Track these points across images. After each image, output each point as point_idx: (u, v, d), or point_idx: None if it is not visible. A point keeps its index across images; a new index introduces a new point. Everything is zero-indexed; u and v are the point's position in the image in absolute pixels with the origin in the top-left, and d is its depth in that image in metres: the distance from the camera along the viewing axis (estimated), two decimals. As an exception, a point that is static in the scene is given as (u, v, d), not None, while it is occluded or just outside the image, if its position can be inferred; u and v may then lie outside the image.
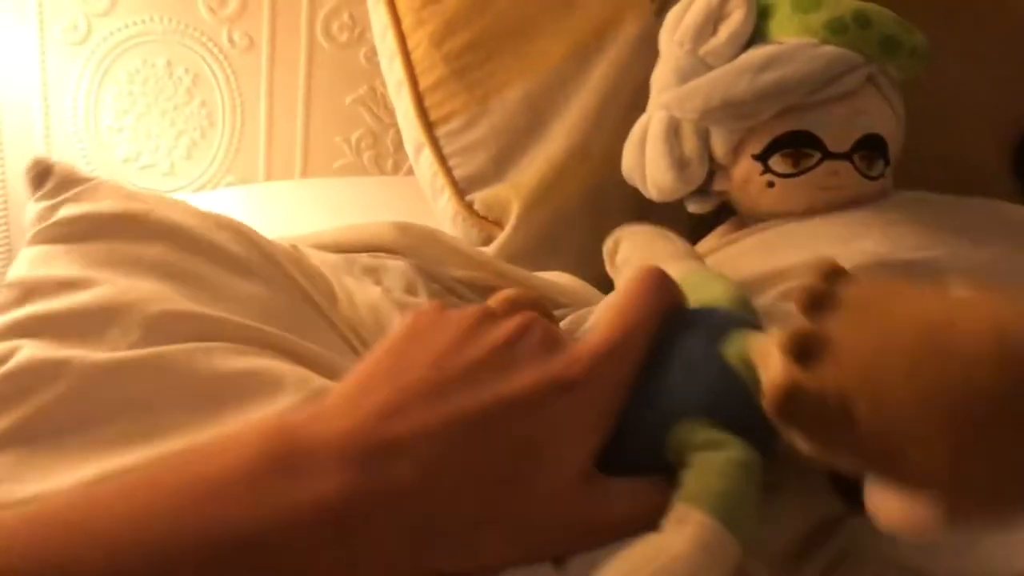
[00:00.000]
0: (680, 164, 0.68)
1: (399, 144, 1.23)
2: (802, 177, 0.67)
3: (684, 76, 0.69)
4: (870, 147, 0.67)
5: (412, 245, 0.60)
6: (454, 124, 0.83)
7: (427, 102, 0.84)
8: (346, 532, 0.28)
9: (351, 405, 0.32)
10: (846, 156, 0.67)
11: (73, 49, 1.12)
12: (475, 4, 0.81)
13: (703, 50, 0.69)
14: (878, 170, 0.68)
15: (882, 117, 0.68)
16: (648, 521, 0.30)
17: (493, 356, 0.33)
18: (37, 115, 1.13)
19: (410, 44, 0.84)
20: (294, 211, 1.07)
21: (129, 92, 1.15)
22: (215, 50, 1.16)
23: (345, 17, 1.18)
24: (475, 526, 0.30)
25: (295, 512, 0.28)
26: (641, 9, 0.79)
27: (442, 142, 0.84)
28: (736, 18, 0.68)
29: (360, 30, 1.18)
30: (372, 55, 1.18)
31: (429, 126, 0.84)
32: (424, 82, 0.84)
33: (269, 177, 1.23)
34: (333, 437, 0.30)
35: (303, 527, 0.28)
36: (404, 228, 0.62)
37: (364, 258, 0.61)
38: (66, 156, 1.15)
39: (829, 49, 0.66)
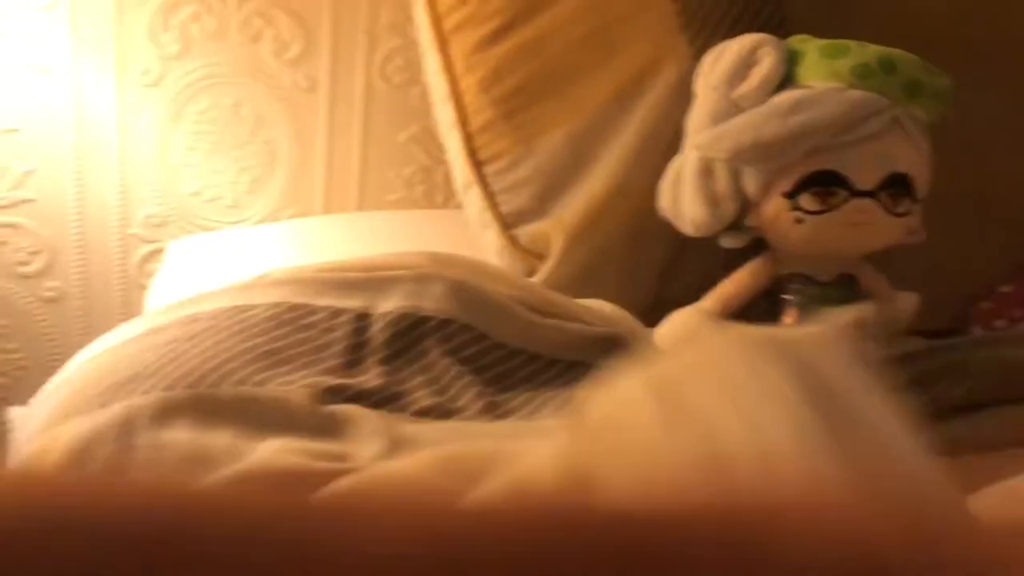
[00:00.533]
0: (713, 202, 0.72)
1: (449, 179, 1.29)
2: (830, 214, 0.70)
3: (717, 118, 0.73)
4: (896, 185, 0.70)
5: (445, 269, 0.65)
6: (501, 163, 0.88)
7: (476, 143, 0.89)
8: None
9: None
10: (872, 194, 0.70)
11: (147, 91, 1.19)
12: (521, 52, 0.86)
13: (735, 94, 0.73)
14: (904, 207, 0.71)
15: (907, 156, 0.71)
16: None
17: None
18: (113, 152, 1.21)
19: (460, 88, 0.89)
20: (350, 242, 1.13)
21: (198, 131, 1.22)
22: (279, 91, 1.23)
23: (400, 60, 1.24)
24: None
25: None
26: (679, 55, 0.83)
27: (489, 180, 0.89)
28: (767, 64, 0.72)
29: (414, 72, 1.24)
30: (425, 95, 1.23)
31: (477, 165, 0.89)
32: (473, 124, 0.89)
33: (327, 210, 1.29)
34: None
35: None
36: (437, 256, 0.67)
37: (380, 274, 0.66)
38: (139, 190, 1.23)
39: (855, 93, 0.69)
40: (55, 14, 1.14)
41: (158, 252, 1.25)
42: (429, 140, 1.28)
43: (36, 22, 1.13)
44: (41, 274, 1.24)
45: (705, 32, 0.84)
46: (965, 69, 0.78)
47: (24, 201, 1.20)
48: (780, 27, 0.85)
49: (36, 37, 1.14)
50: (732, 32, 0.84)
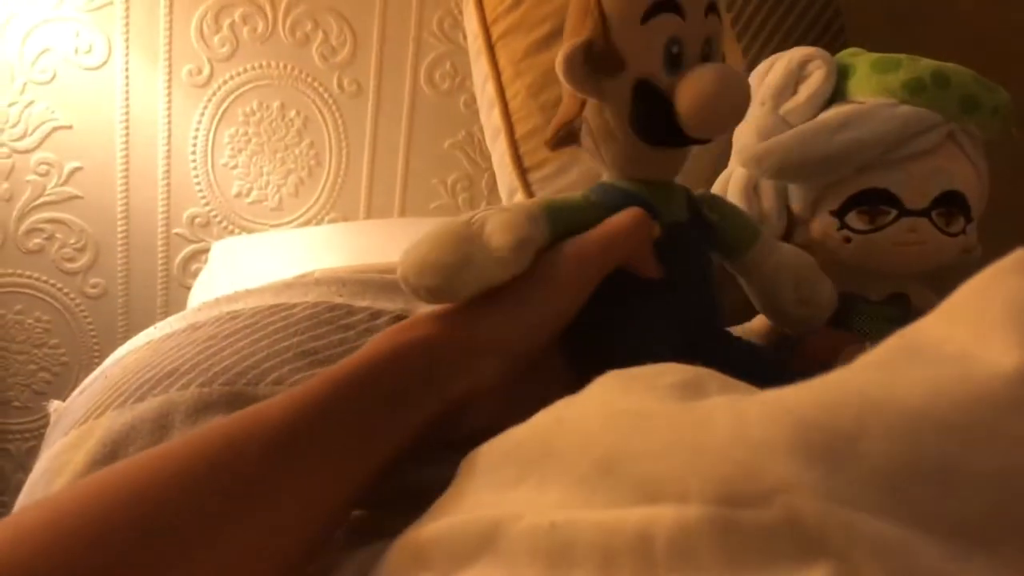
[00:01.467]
0: (759, 219, 0.70)
1: (492, 187, 1.28)
2: (879, 233, 0.68)
3: (765, 134, 0.71)
4: (949, 204, 0.67)
5: None
6: (547, 170, 0.86)
7: (522, 149, 0.88)
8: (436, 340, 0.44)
9: None
10: (924, 213, 0.67)
11: (196, 91, 1.20)
12: (572, 57, 0.85)
13: (783, 109, 0.71)
14: (958, 227, 0.68)
15: (962, 174, 0.68)
16: None
17: None
18: (160, 151, 1.22)
19: (508, 94, 0.88)
20: (391, 247, 1.12)
21: (244, 132, 1.23)
22: (325, 95, 1.23)
23: (447, 66, 1.24)
24: None
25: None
26: (734, 63, 0.81)
27: (534, 187, 0.88)
28: (816, 79, 0.70)
29: (460, 79, 1.24)
30: (471, 102, 1.23)
31: (523, 171, 0.87)
32: (520, 130, 0.88)
33: (369, 215, 1.29)
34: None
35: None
36: None
37: None
38: (182, 190, 1.24)
39: (906, 109, 0.66)
40: (108, 13, 1.15)
41: (201, 252, 1.26)
42: (473, 147, 1.28)
43: (89, 21, 1.15)
44: (86, 271, 1.25)
45: (759, 41, 0.82)
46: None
47: (72, 197, 1.21)
48: (838, 37, 0.83)
49: (89, 36, 1.15)
50: (788, 41, 0.82)
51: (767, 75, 0.72)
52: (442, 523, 0.33)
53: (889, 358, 0.30)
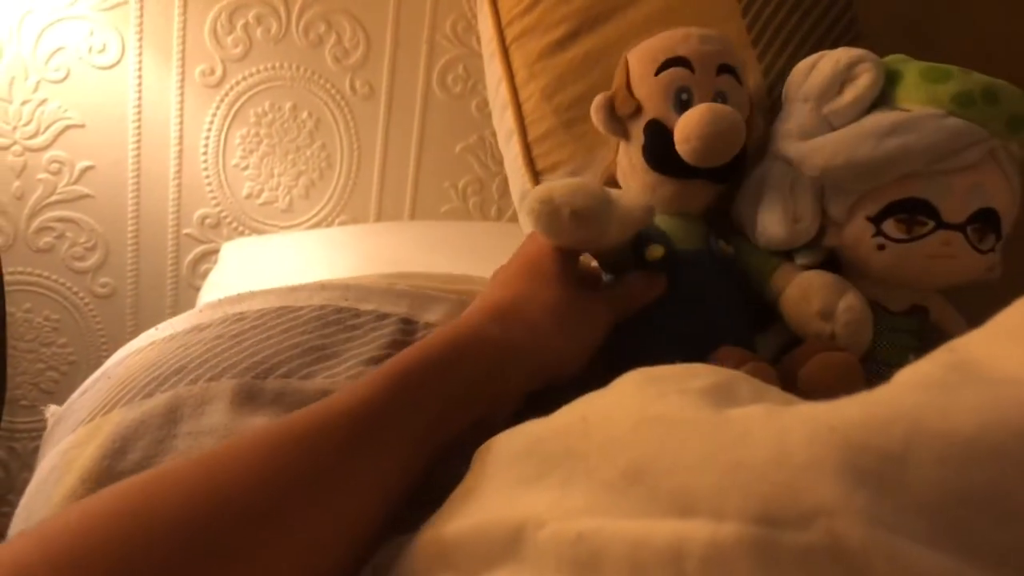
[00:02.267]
0: (793, 219, 0.69)
1: (504, 191, 1.27)
2: (914, 244, 0.66)
3: (805, 132, 0.70)
4: (984, 220, 0.66)
5: None
6: (560, 173, 0.86)
7: (535, 151, 0.87)
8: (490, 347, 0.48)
9: None
10: (960, 227, 0.66)
11: (209, 91, 1.20)
12: (586, 61, 0.84)
13: (827, 108, 0.70)
14: (989, 244, 0.67)
15: (999, 192, 0.67)
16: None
17: None
18: (172, 151, 1.21)
19: (522, 96, 0.88)
20: (401, 250, 1.12)
21: (256, 133, 1.23)
22: (338, 96, 1.23)
23: (460, 69, 1.24)
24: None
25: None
26: (749, 70, 0.81)
27: (547, 191, 0.87)
28: (864, 81, 0.69)
29: (473, 82, 1.24)
30: (483, 106, 1.23)
31: (536, 175, 0.87)
32: (533, 132, 0.87)
33: (379, 218, 1.29)
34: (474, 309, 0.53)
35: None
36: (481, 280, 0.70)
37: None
38: (193, 190, 1.23)
39: (955, 122, 0.65)
40: (123, 12, 1.15)
41: (211, 253, 1.25)
42: (485, 151, 1.28)
43: (103, 20, 1.15)
44: (96, 270, 1.25)
45: (775, 46, 0.82)
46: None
47: (83, 196, 1.21)
48: (854, 43, 0.82)
49: (103, 35, 1.15)
50: (804, 47, 0.81)
51: (810, 73, 0.71)
52: (465, 523, 0.33)
53: (940, 377, 0.29)
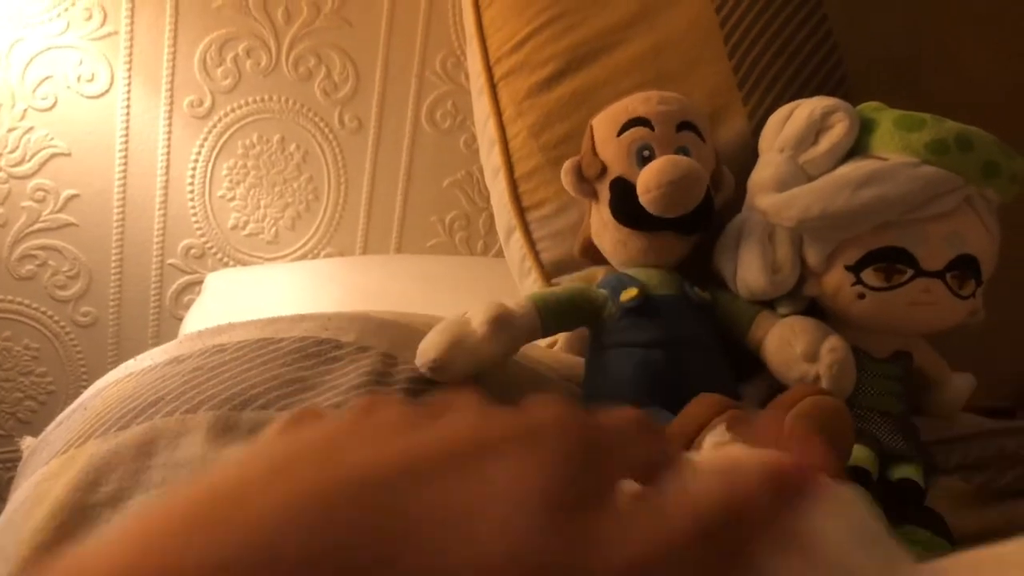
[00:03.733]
0: (772, 269, 0.69)
1: (490, 227, 1.28)
2: (894, 292, 0.67)
3: (782, 181, 0.70)
4: (963, 267, 0.67)
5: None
6: (545, 210, 0.86)
7: (521, 188, 0.87)
8: None
9: None
10: (939, 274, 0.66)
11: (197, 122, 1.20)
12: (573, 99, 0.85)
13: (803, 158, 0.70)
14: (969, 290, 0.67)
15: (977, 238, 0.67)
16: None
17: None
18: (158, 181, 1.21)
19: (509, 133, 0.88)
20: (387, 283, 1.12)
21: (243, 164, 1.23)
22: (326, 130, 1.23)
23: (449, 105, 1.24)
24: None
25: None
26: (735, 113, 0.81)
27: (532, 227, 0.87)
28: (839, 131, 0.69)
29: (461, 118, 1.24)
30: (471, 142, 1.23)
31: (521, 211, 0.87)
32: (520, 169, 0.87)
33: (365, 251, 1.29)
34: None
35: None
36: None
37: None
38: (178, 221, 1.23)
39: (929, 170, 0.66)
40: (112, 42, 1.15)
41: (195, 284, 1.25)
42: (472, 187, 1.28)
43: (93, 50, 1.15)
44: (77, 299, 1.24)
45: (760, 89, 0.82)
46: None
47: (67, 225, 1.21)
48: (839, 87, 0.83)
49: (92, 64, 1.15)
50: (789, 90, 0.82)
51: (786, 122, 0.72)
52: None
53: None
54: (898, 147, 0.68)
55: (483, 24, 0.93)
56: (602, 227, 0.74)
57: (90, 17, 1.13)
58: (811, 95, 0.82)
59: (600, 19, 0.87)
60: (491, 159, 0.91)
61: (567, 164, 0.75)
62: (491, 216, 0.96)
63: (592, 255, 0.77)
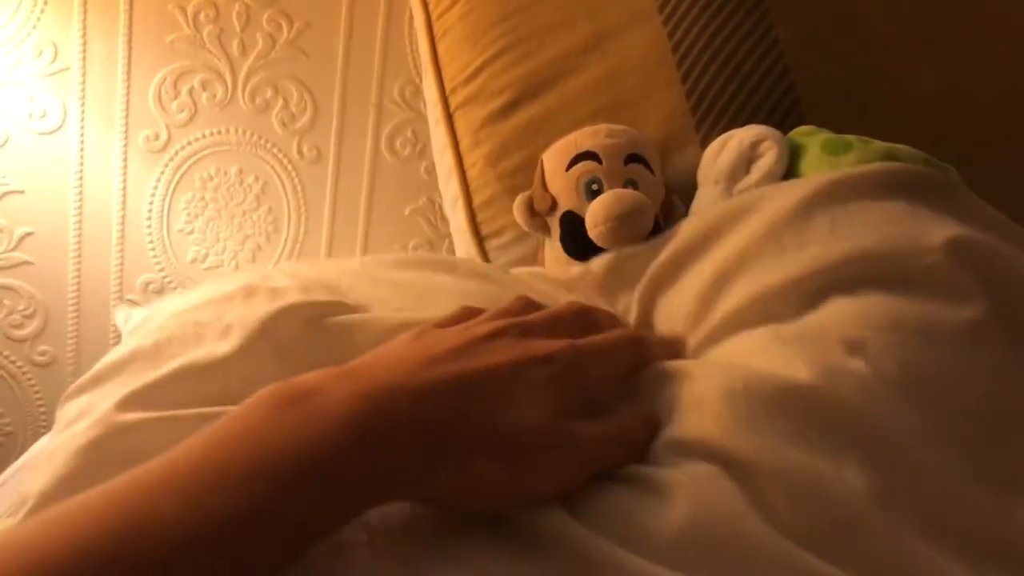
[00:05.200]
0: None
1: (453, 252, 1.27)
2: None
3: None
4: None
5: None
6: (505, 238, 0.86)
7: (479, 217, 0.87)
8: (363, 449, 0.34)
9: (357, 370, 0.39)
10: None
11: (153, 156, 1.19)
12: (529, 127, 0.85)
13: (736, 189, 0.72)
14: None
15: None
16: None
17: (470, 344, 0.41)
18: (115, 216, 1.20)
19: (466, 163, 0.88)
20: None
21: (201, 197, 1.22)
22: (284, 160, 1.22)
23: (408, 133, 1.24)
24: (468, 454, 0.36)
25: (309, 432, 0.33)
26: (689, 139, 0.82)
27: (492, 255, 0.87)
28: (768, 160, 0.71)
29: (421, 146, 1.24)
30: (432, 169, 1.23)
31: (481, 240, 0.87)
32: (478, 199, 0.87)
33: (327, 281, 1.27)
34: (345, 384, 0.36)
35: (320, 445, 0.33)
36: None
37: None
38: (137, 256, 1.21)
39: None
40: (64, 78, 1.14)
41: (154, 319, 1.23)
42: (434, 213, 1.28)
43: (45, 86, 1.13)
44: (34, 338, 1.22)
45: (714, 113, 0.83)
46: (979, 161, 0.76)
47: (22, 263, 1.19)
48: (792, 110, 0.84)
49: (44, 100, 1.14)
50: (741, 115, 0.83)
51: (720, 154, 0.73)
52: None
53: None
54: (826, 171, 0.69)
55: (438, 54, 0.93)
56: (555, 262, 0.75)
57: (41, 53, 1.12)
58: (763, 120, 0.83)
59: (554, 47, 0.87)
60: (449, 188, 0.91)
61: (518, 200, 0.76)
62: (454, 243, 0.96)
63: None
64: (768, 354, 0.48)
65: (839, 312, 0.50)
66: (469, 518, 0.38)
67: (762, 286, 0.53)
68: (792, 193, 0.60)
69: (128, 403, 0.52)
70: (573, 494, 0.39)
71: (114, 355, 0.60)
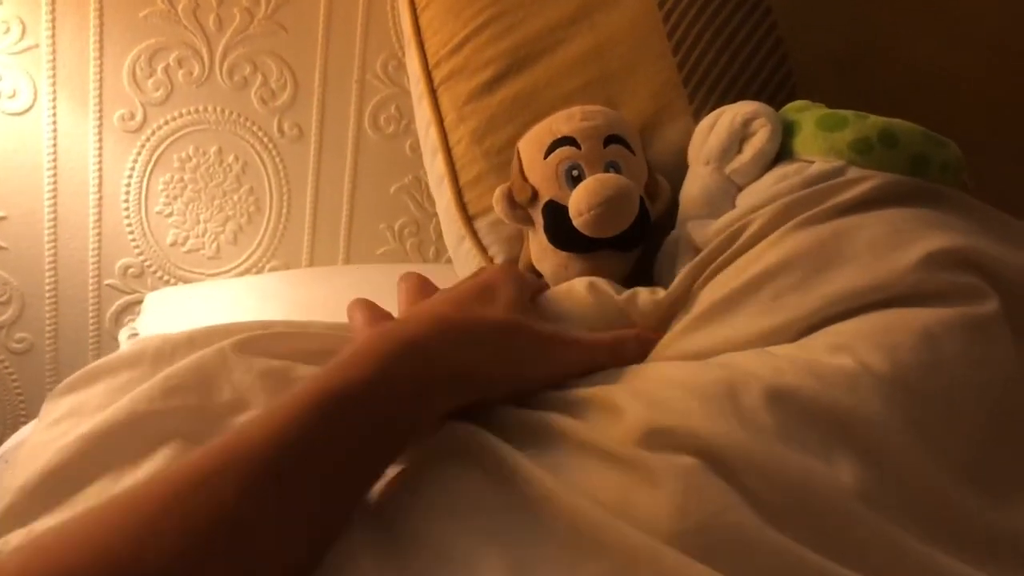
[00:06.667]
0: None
1: (441, 232, 1.25)
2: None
3: (710, 193, 0.69)
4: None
5: None
6: (493, 217, 0.83)
7: (466, 196, 0.84)
8: (423, 363, 0.44)
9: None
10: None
11: (129, 136, 1.15)
12: (515, 102, 0.82)
13: (728, 168, 0.69)
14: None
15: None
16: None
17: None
18: (91, 199, 1.16)
19: (451, 140, 0.85)
20: (335, 296, 1.08)
21: (180, 178, 1.18)
22: (265, 139, 1.19)
23: (392, 109, 1.21)
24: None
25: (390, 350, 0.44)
26: (680, 112, 0.80)
27: (481, 233, 0.85)
28: (761, 137, 0.68)
29: (406, 122, 1.21)
30: (417, 146, 1.20)
31: (469, 219, 0.84)
32: (464, 177, 0.84)
33: (312, 263, 1.25)
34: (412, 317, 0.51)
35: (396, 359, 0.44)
36: None
37: None
38: (114, 239, 1.18)
39: (853, 173, 0.64)
40: (34, 55, 1.10)
41: (134, 304, 1.20)
42: (421, 192, 1.25)
43: (13, 64, 1.10)
44: (11, 325, 1.19)
45: (705, 87, 0.81)
46: (977, 133, 0.74)
47: (-4, 249, 1.15)
48: (784, 85, 0.82)
49: (13, 79, 1.10)
50: (734, 88, 0.81)
51: (710, 133, 0.71)
52: None
53: None
54: (822, 149, 0.66)
55: (420, 27, 0.90)
56: (541, 253, 0.72)
57: (8, 30, 1.08)
58: (757, 92, 0.81)
59: (540, 19, 0.84)
60: (435, 166, 0.88)
61: (497, 192, 0.73)
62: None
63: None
64: (759, 361, 0.49)
65: (829, 331, 0.51)
66: (468, 518, 0.40)
67: (745, 335, 0.53)
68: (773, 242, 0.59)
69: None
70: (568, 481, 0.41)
71: (111, 356, 0.62)
